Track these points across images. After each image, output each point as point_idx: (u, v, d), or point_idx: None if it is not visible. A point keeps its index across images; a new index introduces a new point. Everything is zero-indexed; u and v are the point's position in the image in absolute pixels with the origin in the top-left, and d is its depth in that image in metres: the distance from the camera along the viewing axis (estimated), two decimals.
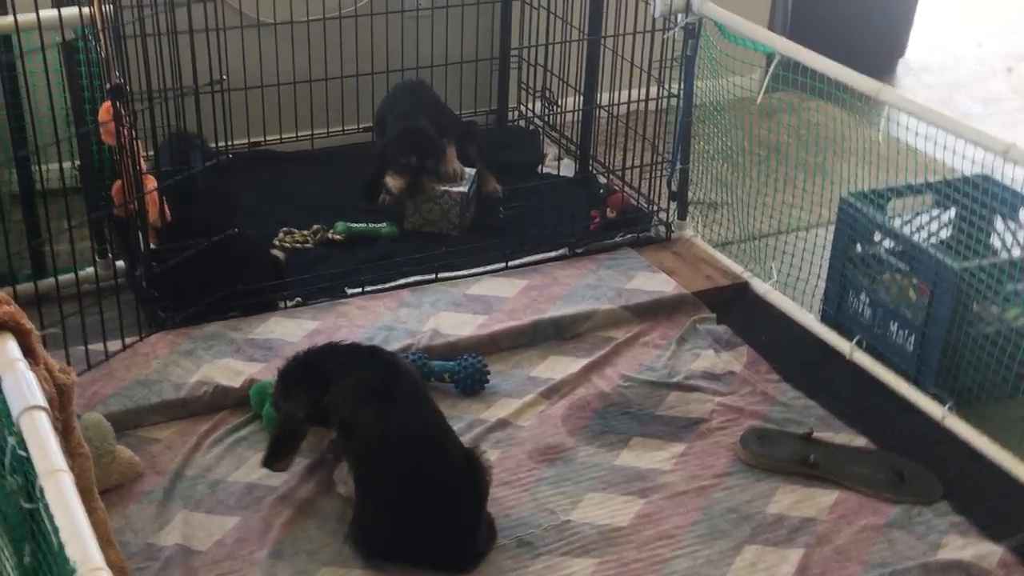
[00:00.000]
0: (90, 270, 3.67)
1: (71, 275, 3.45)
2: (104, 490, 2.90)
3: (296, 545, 2.80)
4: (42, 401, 1.83)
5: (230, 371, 3.34)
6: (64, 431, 2.13)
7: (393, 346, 3.47)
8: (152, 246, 3.58)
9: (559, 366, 3.52)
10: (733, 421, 3.30)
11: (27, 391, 1.84)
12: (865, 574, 2.78)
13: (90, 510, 2.20)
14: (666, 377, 3.47)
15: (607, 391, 3.40)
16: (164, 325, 3.54)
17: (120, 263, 3.77)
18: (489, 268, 3.96)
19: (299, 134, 4.70)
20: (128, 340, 3.42)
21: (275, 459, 2.95)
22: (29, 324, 2.01)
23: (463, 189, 4.13)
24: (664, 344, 3.65)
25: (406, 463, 2.70)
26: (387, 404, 2.76)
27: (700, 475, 3.09)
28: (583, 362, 3.53)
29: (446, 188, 4.13)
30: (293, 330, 3.56)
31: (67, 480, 1.70)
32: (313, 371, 2.88)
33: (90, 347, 3.34)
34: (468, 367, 3.37)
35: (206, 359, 3.39)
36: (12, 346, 1.95)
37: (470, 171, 4.26)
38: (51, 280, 3.44)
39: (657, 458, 3.15)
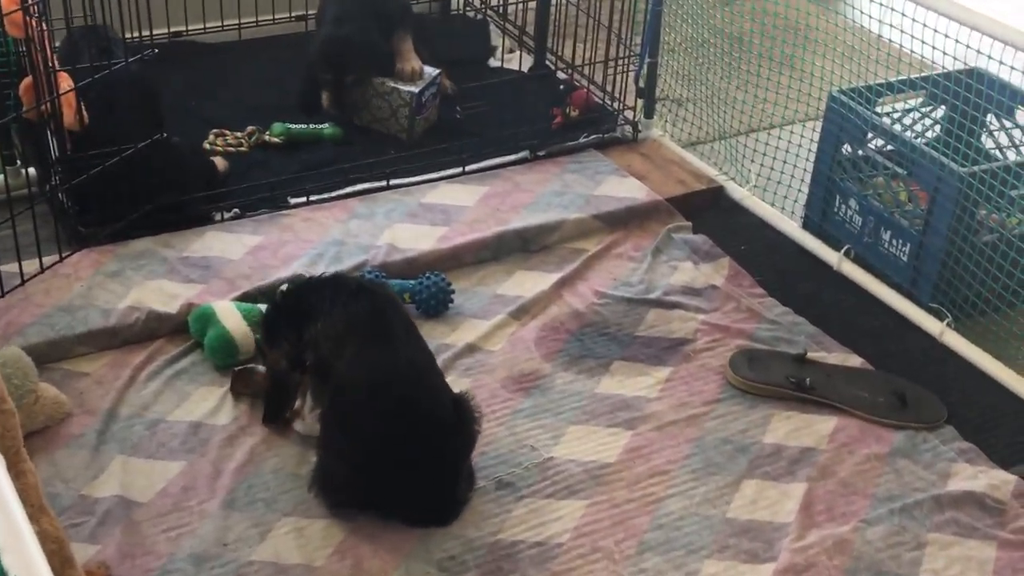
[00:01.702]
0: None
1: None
2: (28, 434, 2.57)
3: (251, 493, 2.49)
4: None
5: (164, 294, 2.98)
6: None
7: (346, 263, 3.14)
8: (68, 153, 3.18)
9: (527, 282, 3.22)
10: (719, 341, 3.04)
11: None
12: (873, 509, 2.57)
13: (18, 474, 1.90)
14: (643, 293, 3.20)
15: (581, 310, 3.12)
16: (86, 242, 3.16)
17: (32, 172, 3.36)
18: (445, 174, 3.62)
19: (224, 23, 4.25)
20: (46, 260, 3.03)
21: (273, 416, 2.65)
22: None
23: (414, 89, 3.75)
24: (639, 256, 3.37)
25: (387, 406, 2.40)
26: (372, 343, 2.44)
27: (689, 402, 2.84)
28: (553, 277, 3.23)
29: (395, 85, 3.76)
30: (233, 246, 3.20)
31: None
32: (293, 313, 2.54)
33: (2, 268, 2.97)
34: (431, 286, 3.06)
35: (136, 281, 3.03)
36: None
37: (430, 71, 3.87)
38: None
39: (641, 384, 2.88)
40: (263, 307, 2.84)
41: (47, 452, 2.56)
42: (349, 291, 2.50)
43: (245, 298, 2.97)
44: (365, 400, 2.40)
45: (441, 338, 2.98)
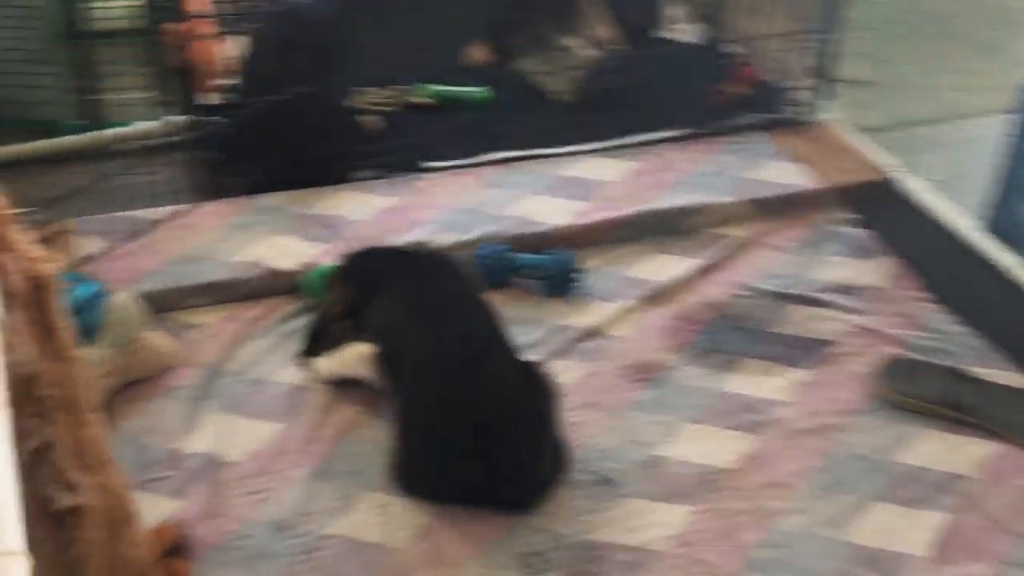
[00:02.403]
0: (147, 124, 3.27)
1: (124, 128, 3.06)
2: (128, 383, 2.55)
3: (341, 463, 2.40)
4: None
5: (287, 251, 2.91)
6: (44, 331, 1.73)
7: (475, 233, 3.01)
8: (217, 101, 3.17)
9: (665, 267, 3.02)
10: (868, 347, 2.77)
11: None
12: (1020, 549, 2.28)
13: (79, 424, 1.84)
14: (790, 287, 2.95)
15: (719, 300, 2.90)
16: (221, 192, 3.13)
17: (183, 119, 3.35)
18: (592, 146, 3.44)
19: None
20: (180, 208, 3.02)
21: (309, 352, 2.57)
22: None
23: (589, 53, 3.52)
24: (792, 248, 3.11)
25: (439, 390, 2.26)
26: (419, 323, 2.31)
27: (823, 411, 2.59)
28: (693, 263, 3.02)
29: (571, 44, 3.56)
30: (363, 208, 3.11)
31: None
32: (365, 271, 2.44)
33: (136, 213, 2.96)
34: (558, 262, 2.89)
35: (261, 235, 2.97)
36: None
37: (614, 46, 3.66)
38: (101, 132, 3.06)
39: (773, 386, 2.65)
40: None
41: (144, 402, 2.52)
42: (409, 262, 2.39)
43: None
44: (424, 386, 2.27)
45: (562, 318, 2.82)
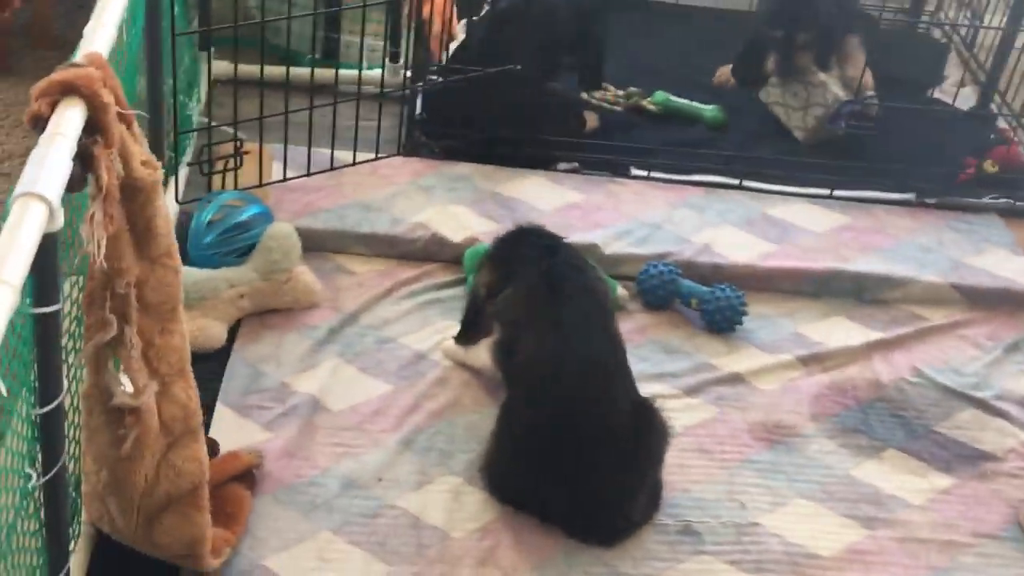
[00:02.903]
0: (375, 71, 3.34)
1: (354, 71, 3.13)
2: (268, 311, 2.62)
3: (433, 439, 2.38)
4: (51, 193, 1.47)
5: (458, 222, 2.91)
6: (142, 233, 1.79)
7: (649, 249, 2.91)
8: (438, 62, 3.20)
9: (839, 332, 2.82)
10: None
11: (43, 174, 1.49)
12: None
13: (165, 332, 1.89)
14: (971, 388, 2.69)
15: (885, 381, 2.68)
16: (419, 150, 3.16)
17: (407, 72, 3.40)
18: (808, 191, 3.26)
19: None
20: (375, 156, 3.06)
21: (463, 337, 2.53)
22: (108, 97, 1.65)
23: (842, 95, 3.36)
24: (988, 346, 2.84)
25: (552, 403, 2.18)
26: (551, 330, 2.22)
27: (957, 526, 2.35)
28: (872, 336, 2.81)
29: (827, 80, 3.39)
30: (549, 197, 3.07)
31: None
32: (508, 254, 2.39)
33: (333, 152, 3.02)
34: (722, 298, 2.75)
35: (441, 201, 2.99)
36: (72, 115, 1.60)
37: (870, 91, 3.48)
38: (332, 71, 3.16)
39: (910, 486, 2.43)
40: None
41: (278, 332, 2.58)
42: (548, 254, 2.29)
43: None
44: (531, 391, 2.20)
45: (710, 356, 2.69)
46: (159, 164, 1.76)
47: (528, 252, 2.36)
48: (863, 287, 2.94)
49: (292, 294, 2.63)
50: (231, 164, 2.80)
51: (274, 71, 2.97)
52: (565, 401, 2.17)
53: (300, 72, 3.07)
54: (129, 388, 1.82)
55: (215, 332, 2.50)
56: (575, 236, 2.90)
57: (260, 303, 2.59)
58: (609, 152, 3.26)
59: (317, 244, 2.81)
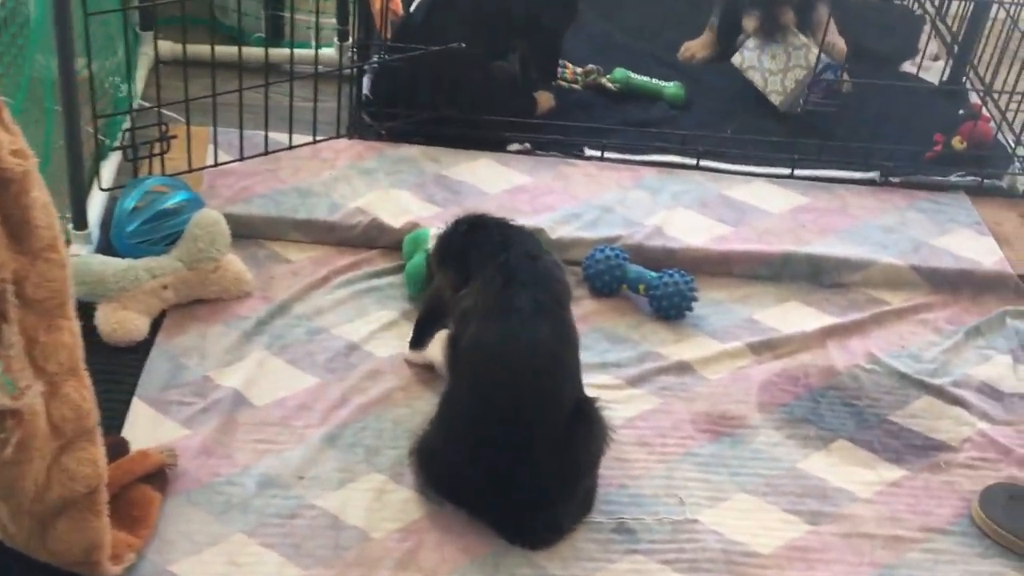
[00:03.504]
0: (322, 51, 3.23)
1: (300, 50, 3.04)
2: (194, 301, 2.52)
3: (359, 435, 2.28)
4: None
5: (398, 207, 2.81)
6: (18, 226, 1.69)
7: (597, 233, 2.81)
8: (383, 39, 3.10)
9: (794, 317, 2.72)
10: (989, 463, 2.40)
11: None
12: None
13: (52, 328, 1.80)
14: (928, 375, 2.59)
15: (839, 368, 2.58)
16: (364, 132, 3.06)
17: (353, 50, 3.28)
18: (768, 170, 3.16)
19: None
20: (315, 139, 2.96)
21: (417, 343, 2.43)
22: None
23: (824, 59, 3.25)
24: (949, 330, 2.74)
25: (489, 394, 2.07)
26: (494, 316, 2.11)
27: (904, 520, 2.25)
28: (828, 322, 2.71)
29: (809, 42, 3.28)
30: (495, 179, 2.97)
31: None
32: (464, 252, 2.27)
33: (271, 135, 2.92)
34: (671, 284, 2.65)
35: (382, 185, 2.89)
36: None
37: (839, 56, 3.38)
38: (278, 49, 3.06)
39: (858, 478, 2.33)
40: None
41: (203, 323, 2.49)
42: (503, 247, 2.19)
43: None
44: (470, 381, 2.10)
45: (657, 344, 2.59)
46: (31, 153, 1.67)
47: (483, 245, 2.25)
48: (820, 270, 2.84)
49: (220, 284, 2.53)
50: (157, 149, 2.69)
51: (224, 51, 2.88)
52: (505, 389, 2.06)
53: (252, 52, 2.98)
54: (10, 389, 1.73)
55: (136, 324, 2.41)
56: (521, 220, 2.78)
57: (186, 294, 2.50)
58: (562, 132, 3.15)
59: (252, 231, 2.72)
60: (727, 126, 3.30)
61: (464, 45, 2.96)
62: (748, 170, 3.15)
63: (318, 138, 2.96)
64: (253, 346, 2.45)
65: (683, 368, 2.54)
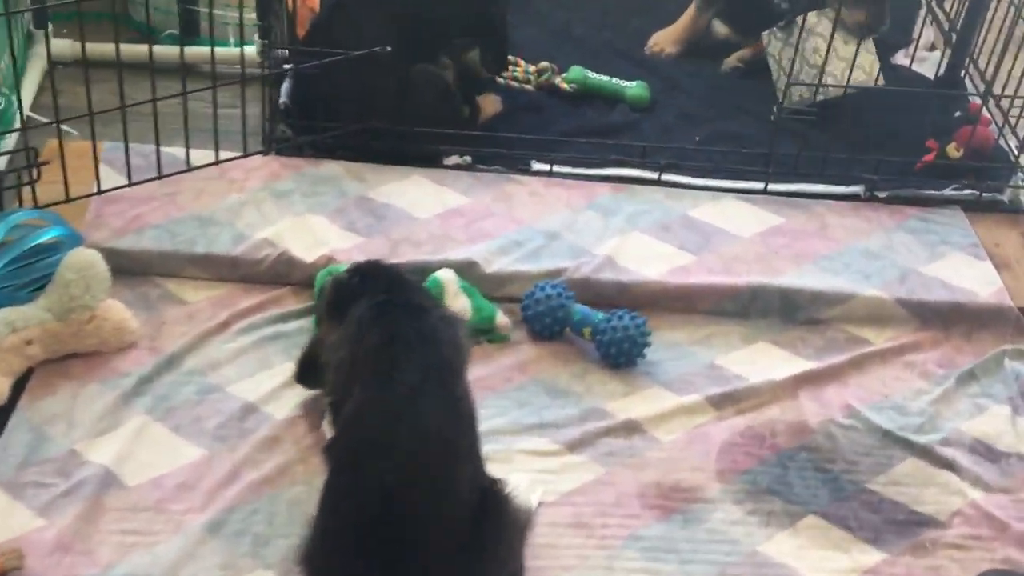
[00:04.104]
0: (237, 50, 2.88)
1: (219, 48, 2.70)
2: (69, 355, 2.19)
3: (247, 522, 1.95)
4: None
5: (314, 236, 2.47)
6: None
7: (542, 265, 2.47)
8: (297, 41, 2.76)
9: (763, 362, 2.39)
10: (982, 542, 2.07)
11: None
12: None
13: None
14: (914, 431, 2.26)
15: (812, 424, 2.26)
16: (280, 147, 2.72)
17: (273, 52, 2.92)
18: (738, 184, 2.82)
19: None
20: (224, 155, 2.62)
21: (300, 378, 2.14)
22: None
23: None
24: (939, 375, 2.41)
25: (380, 486, 1.72)
26: (379, 385, 1.79)
27: None
28: (801, 367, 2.37)
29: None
30: (427, 201, 2.63)
31: None
32: (350, 303, 1.95)
33: (173, 151, 2.58)
34: (619, 328, 2.31)
35: (296, 210, 2.54)
36: None
37: None
38: (192, 48, 2.72)
39: (830, 564, 2.00)
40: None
41: (76, 382, 2.15)
42: (387, 300, 1.86)
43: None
44: (346, 474, 1.76)
45: (601, 399, 2.25)
46: None
47: (360, 292, 1.93)
48: (794, 305, 2.51)
49: (98, 335, 2.19)
50: (25, 177, 2.35)
51: (131, 51, 2.55)
52: (390, 486, 1.73)
53: (164, 52, 2.64)
54: None
55: None
56: (453, 251, 2.47)
57: (55, 348, 2.16)
58: (506, 144, 2.80)
59: (143, 267, 2.39)
60: (695, 133, 2.96)
61: (385, 48, 2.61)
62: (716, 185, 2.81)
63: (226, 155, 2.61)
64: (132, 410, 2.12)
65: (631, 428, 2.21)
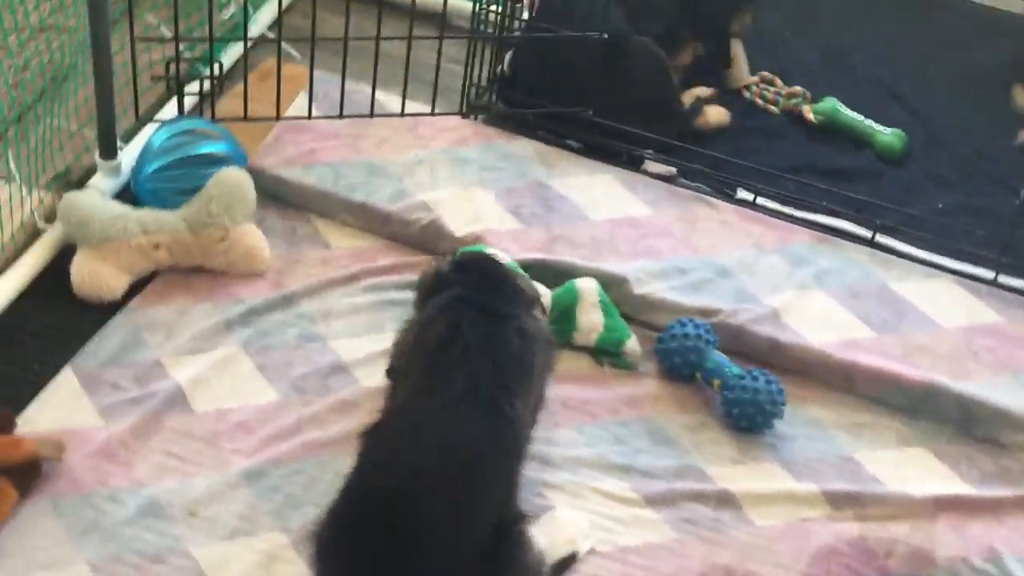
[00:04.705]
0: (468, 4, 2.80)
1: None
2: (198, 268, 2.20)
3: (287, 479, 1.87)
4: None
5: (473, 211, 2.37)
6: None
7: (696, 300, 2.26)
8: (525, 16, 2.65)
9: (912, 471, 2.07)
10: None
11: None
12: None
13: None
14: None
15: (938, 557, 1.93)
16: (477, 110, 2.61)
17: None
18: (965, 267, 2.46)
19: None
20: (420, 110, 2.54)
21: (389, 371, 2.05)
22: None
23: None
24: None
25: (391, 493, 1.60)
26: (421, 386, 1.67)
27: None
28: (954, 489, 2.04)
29: None
30: (607, 203, 2.46)
31: None
32: (437, 288, 1.83)
33: (379, 96, 2.54)
34: (749, 389, 2.07)
35: (468, 180, 2.44)
36: None
37: None
38: None
39: None
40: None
41: (191, 297, 2.16)
42: (464, 293, 1.74)
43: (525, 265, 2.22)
44: (367, 458, 1.66)
45: (710, 461, 2.02)
46: None
47: (450, 283, 1.81)
48: (973, 418, 2.16)
49: (226, 256, 2.20)
50: (208, 88, 2.36)
51: None
52: (398, 494, 1.61)
53: None
54: None
55: (109, 282, 2.12)
56: (609, 261, 2.30)
57: (182, 258, 2.18)
58: (718, 163, 2.58)
59: (301, 202, 2.37)
60: (940, 199, 2.63)
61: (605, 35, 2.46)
62: (938, 261, 2.47)
63: (424, 110, 2.55)
64: (230, 337, 2.11)
65: (725, 500, 1.97)
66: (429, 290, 1.86)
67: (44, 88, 2.27)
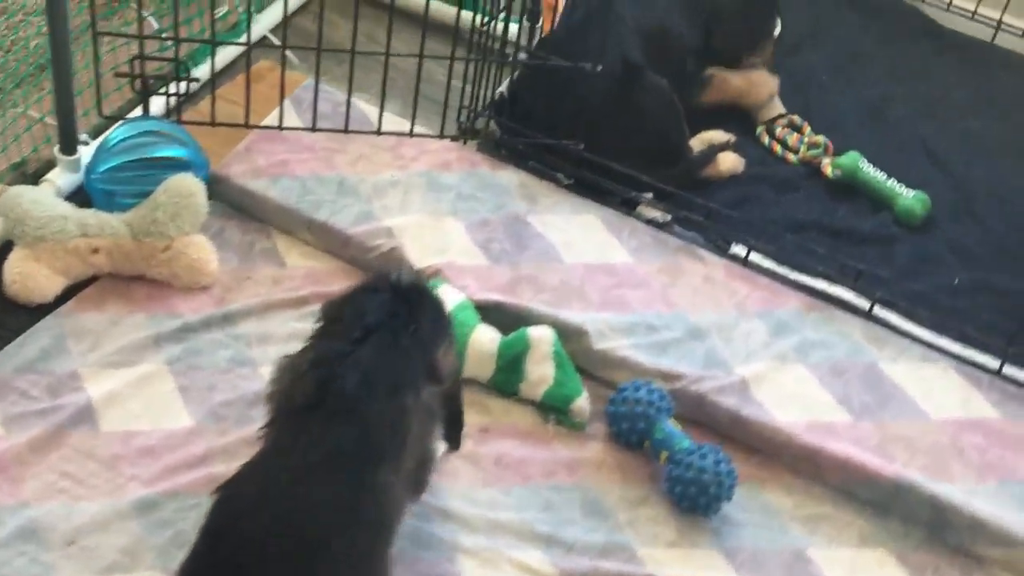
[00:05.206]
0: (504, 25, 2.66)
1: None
2: (140, 276, 2.11)
3: (181, 514, 1.77)
4: None
5: (439, 241, 2.22)
6: None
7: (658, 362, 2.09)
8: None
9: None
10: None
11: None
12: None
13: None
14: None
15: None
16: (468, 134, 2.48)
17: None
18: (968, 353, 2.25)
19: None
20: (407, 130, 2.42)
21: None
22: None
23: None
24: None
25: (219, 558, 1.48)
26: (271, 450, 1.56)
27: None
28: None
29: None
30: (585, 246, 2.29)
31: None
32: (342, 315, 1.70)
33: (364, 108, 2.44)
34: (700, 468, 1.89)
35: (441, 208, 2.30)
36: None
37: None
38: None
39: None
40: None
41: (127, 306, 2.06)
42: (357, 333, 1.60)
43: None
44: (212, 514, 1.52)
45: (644, 542, 1.86)
46: None
47: (349, 322, 1.66)
48: (945, 523, 1.96)
49: (170, 267, 2.10)
50: (174, 89, 2.26)
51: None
52: (231, 562, 1.47)
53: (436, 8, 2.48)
54: None
55: (41, 283, 2.03)
56: (572, 310, 2.15)
57: (123, 265, 2.09)
58: (705, 211, 2.40)
59: (264, 216, 2.27)
60: (957, 273, 2.42)
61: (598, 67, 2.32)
62: (938, 343, 2.26)
63: (408, 129, 2.42)
64: (156, 354, 2.01)
65: None
66: (337, 314, 1.71)
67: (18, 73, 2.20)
